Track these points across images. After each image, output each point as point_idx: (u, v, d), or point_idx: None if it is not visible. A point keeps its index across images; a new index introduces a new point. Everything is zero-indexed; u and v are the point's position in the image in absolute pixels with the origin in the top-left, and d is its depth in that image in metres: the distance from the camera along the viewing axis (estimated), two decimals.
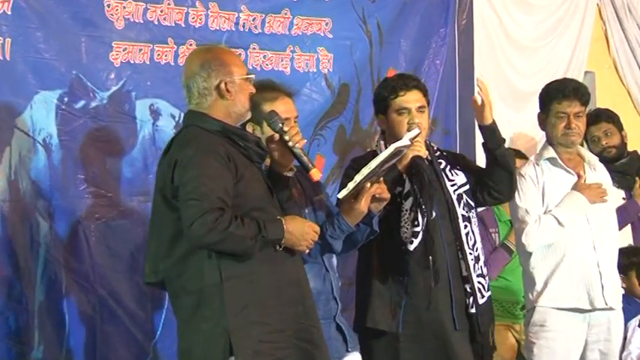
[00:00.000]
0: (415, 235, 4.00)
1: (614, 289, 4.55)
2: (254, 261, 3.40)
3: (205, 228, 3.29)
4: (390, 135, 4.14)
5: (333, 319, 3.93)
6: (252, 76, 3.57)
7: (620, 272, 4.83)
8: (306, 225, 3.50)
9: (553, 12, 6.30)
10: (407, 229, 4.02)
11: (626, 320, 4.74)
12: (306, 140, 3.61)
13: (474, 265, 4.11)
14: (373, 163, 3.68)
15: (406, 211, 4.04)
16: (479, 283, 4.11)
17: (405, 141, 3.79)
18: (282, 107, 3.72)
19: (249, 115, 3.58)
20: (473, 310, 4.07)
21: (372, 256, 4.12)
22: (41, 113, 4.25)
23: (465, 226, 4.12)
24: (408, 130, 4.01)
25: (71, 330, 4.29)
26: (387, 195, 3.83)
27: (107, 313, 4.36)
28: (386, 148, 3.94)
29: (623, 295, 4.87)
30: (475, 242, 4.15)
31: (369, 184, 3.76)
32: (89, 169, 4.35)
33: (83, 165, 4.34)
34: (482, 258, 4.17)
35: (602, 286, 4.46)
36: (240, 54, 4.73)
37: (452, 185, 4.15)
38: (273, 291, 3.43)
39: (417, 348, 4.04)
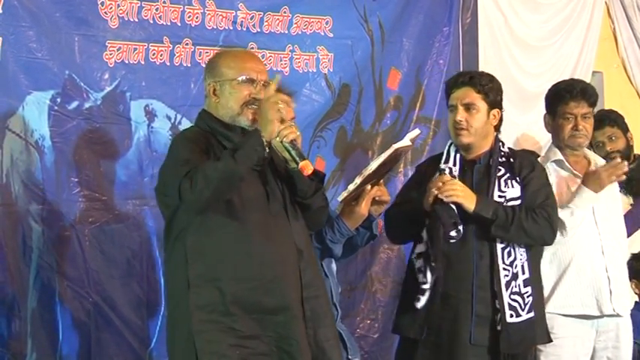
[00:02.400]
0: (422, 292, 3.94)
1: (623, 295, 4.46)
2: (223, 266, 3.32)
3: (188, 190, 3.23)
4: None
5: None
6: (240, 78, 3.43)
7: (632, 278, 4.74)
8: (268, 101, 3.30)
9: (560, 10, 6.22)
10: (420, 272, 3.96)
11: (637, 327, 4.63)
12: (298, 132, 3.40)
13: (509, 282, 3.96)
14: (374, 165, 3.64)
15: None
16: (514, 300, 3.97)
17: (405, 141, 3.75)
18: None
19: (243, 119, 3.45)
20: (499, 328, 3.95)
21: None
22: (33, 114, 4.19)
23: (502, 241, 3.99)
24: (455, 129, 3.92)
25: (65, 337, 4.23)
26: (387, 197, 3.80)
27: (102, 320, 4.31)
28: (449, 148, 3.94)
29: (636, 302, 4.77)
30: (515, 259, 3.99)
31: (369, 187, 3.70)
32: (83, 172, 4.29)
33: (77, 168, 4.28)
34: (522, 276, 4.00)
35: (611, 292, 4.38)
36: None
37: (500, 197, 4.00)
38: (243, 298, 3.34)
39: (430, 355, 3.98)
